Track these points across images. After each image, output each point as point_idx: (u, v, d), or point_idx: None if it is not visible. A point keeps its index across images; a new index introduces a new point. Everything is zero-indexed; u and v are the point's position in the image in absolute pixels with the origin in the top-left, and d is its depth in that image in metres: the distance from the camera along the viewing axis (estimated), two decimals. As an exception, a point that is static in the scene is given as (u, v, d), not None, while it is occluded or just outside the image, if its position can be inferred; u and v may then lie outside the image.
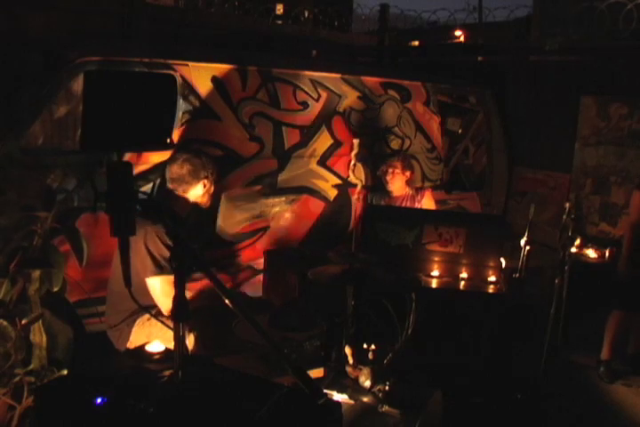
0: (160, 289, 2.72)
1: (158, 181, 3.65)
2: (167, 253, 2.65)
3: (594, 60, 5.76)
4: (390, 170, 4.53)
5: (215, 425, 1.61)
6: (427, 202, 4.58)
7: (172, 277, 2.52)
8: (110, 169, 1.70)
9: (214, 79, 3.99)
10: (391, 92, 5.19)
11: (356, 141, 4.57)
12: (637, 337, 4.09)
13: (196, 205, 3.09)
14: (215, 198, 3.29)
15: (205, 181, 3.01)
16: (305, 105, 4.53)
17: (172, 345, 1.81)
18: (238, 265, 4.29)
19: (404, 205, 4.55)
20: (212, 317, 2.82)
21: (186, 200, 3.03)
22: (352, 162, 4.56)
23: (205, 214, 3.23)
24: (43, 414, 1.72)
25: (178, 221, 2.97)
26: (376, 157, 4.85)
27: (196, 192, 3.02)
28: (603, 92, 5.66)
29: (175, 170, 2.98)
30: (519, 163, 6.43)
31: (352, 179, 4.72)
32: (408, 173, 4.57)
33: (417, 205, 4.53)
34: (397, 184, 4.55)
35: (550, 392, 3.55)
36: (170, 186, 3.02)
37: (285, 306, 3.04)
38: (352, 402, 2.44)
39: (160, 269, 2.70)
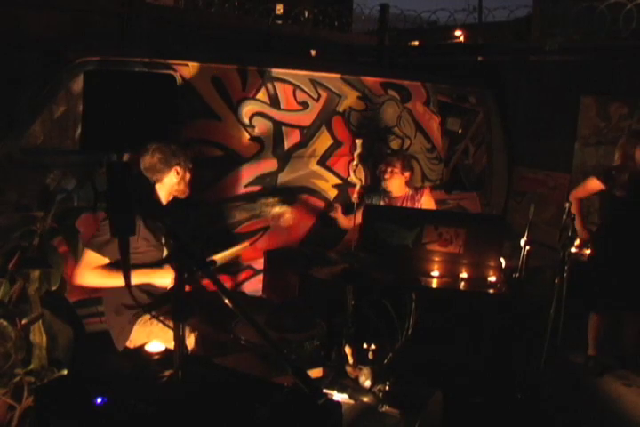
0: (86, 261, 2.79)
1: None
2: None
3: (594, 60, 5.75)
4: (389, 169, 4.49)
5: (215, 425, 1.61)
6: (426, 201, 4.55)
7: (102, 260, 2.72)
8: (110, 169, 1.70)
9: (214, 79, 3.99)
10: (391, 93, 5.19)
11: (359, 141, 4.54)
12: (629, 339, 4.09)
13: (174, 196, 3.11)
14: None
15: (177, 168, 3.04)
16: (305, 105, 4.53)
17: (172, 345, 1.81)
18: (238, 265, 4.30)
19: (404, 205, 4.53)
20: (211, 317, 2.83)
21: (162, 189, 3.06)
22: (355, 162, 4.53)
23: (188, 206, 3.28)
24: (43, 414, 1.72)
25: (161, 209, 2.99)
26: (376, 158, 4.84)
27: (171, 180, 3.05)
28: (603, 92, 5.66)
29: (147, 160, 3.02)
30: (519, 163, 6.42)
31: (353, 178, 4.72)
32: (407, 174, 4.53)
33: (417, 205, 4.50)
34: (395, 184, 4.51)
35: (550, 392, 3.55)
36: (146, 176, 3.04)
37: (282, 307, 3.03)
38: (352, 402, 2.45)
39: (103, 246, 2.76)
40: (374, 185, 4.79)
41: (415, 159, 5.30)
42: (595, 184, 4.03)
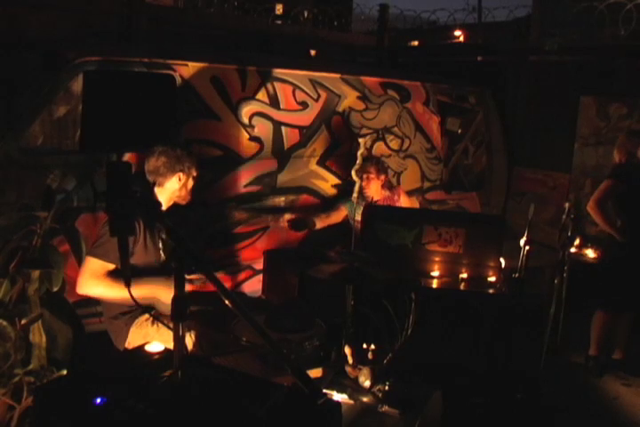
0: (90, 269, 2.69)
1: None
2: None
3: (594, 60, 5.76)
4: (365, 175, 4.49)
5: (215, 425, 1.61)
6: (404, 200, 4.62)
7: (107, 266, 2.64)
8: (110, 169, 1.70)
9: (214, 79, 3.99)
10: (391, 92, 5.19)
11: (362, 141, 4.54)
12: (621, 343, 4.10)
13: (175, 202, 3.05)
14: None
15: (181, 174, 2.95)
16: (304, 105, 4.53)
17: (168, 345, 1.80)
18: (238, 265, 4.29)
19: None
20: (210, 317, 2.82)
21: (163, 193, 2.99)
22: (358, 161, 4.52)
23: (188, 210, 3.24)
24: (42, 415, 1.72)
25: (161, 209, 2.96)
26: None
27: (172, 186, 2.97)
28: (602, 92, 5.66)
29: (152, 162, 2.93)
30: (519, 163, 6.43)
31: (354, 178, 4.71)
32: (383, 177, 4.56)
33: (397, 205, 4.56)
34: (373, 189, 4.53)
35: (550, 392, 3.55)
36: (148, 178, 2.97)
37: (282, 307, 3.03)
38: (352, 402, 2.44)
39: (105, 252, 2.67)
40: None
41: (414, 159, 5.30)
42: (615, 185, 3.95)
